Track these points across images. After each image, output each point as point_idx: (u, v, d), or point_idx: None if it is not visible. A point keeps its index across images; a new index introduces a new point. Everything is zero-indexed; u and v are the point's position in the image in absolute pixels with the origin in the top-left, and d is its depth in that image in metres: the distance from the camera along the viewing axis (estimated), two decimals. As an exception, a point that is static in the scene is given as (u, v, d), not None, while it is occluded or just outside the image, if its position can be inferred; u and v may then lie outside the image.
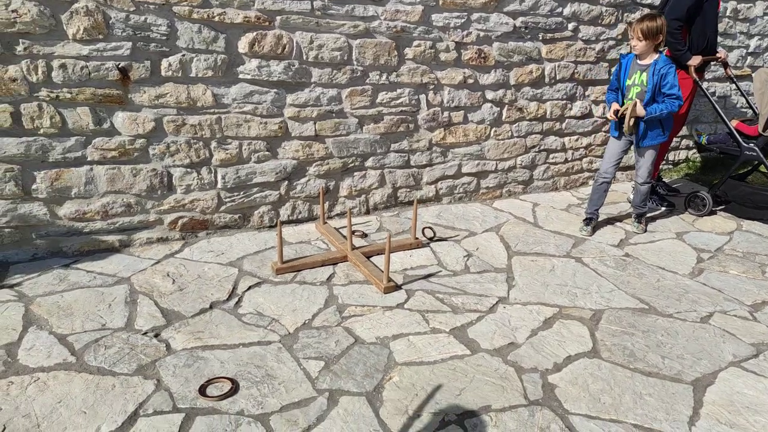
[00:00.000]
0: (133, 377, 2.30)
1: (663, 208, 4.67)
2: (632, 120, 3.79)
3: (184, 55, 3.35)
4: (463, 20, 4.20)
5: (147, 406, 2.15)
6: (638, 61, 3.90)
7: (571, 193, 5.11)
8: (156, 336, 2.59)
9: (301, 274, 3.26)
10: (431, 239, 3.77)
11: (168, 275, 3.16)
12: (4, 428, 2.02)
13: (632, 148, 4.08)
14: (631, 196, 4.38)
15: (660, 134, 3.89)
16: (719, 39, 5.57)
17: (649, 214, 4.38)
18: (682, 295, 3.22)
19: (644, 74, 3.83)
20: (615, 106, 3.93)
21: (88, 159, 3.28)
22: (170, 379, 2.30)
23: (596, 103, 5.10)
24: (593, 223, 4.26)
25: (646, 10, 4.95)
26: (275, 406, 2.18)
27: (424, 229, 3.87)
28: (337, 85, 3.88)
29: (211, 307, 2.85)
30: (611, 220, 4.39)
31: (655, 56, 3.83)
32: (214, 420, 2.10)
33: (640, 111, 3.77)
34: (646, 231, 4.19)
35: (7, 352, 2.42)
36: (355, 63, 3.90)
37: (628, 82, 3.93)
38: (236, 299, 2.94)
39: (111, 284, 3.02)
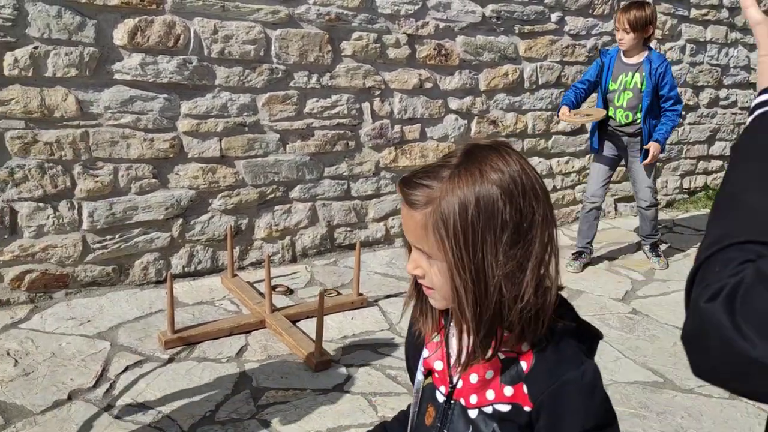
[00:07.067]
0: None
1: None
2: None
3: (37, 48, 3.30)
4: (417, 6, 4.34)
5: None
6: (624, 59, 4.15)
7: (562, 231, 5.25)
8: (-12, 442, 2.45)
9: (200, 347, 3.18)
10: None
11: (8, 354, 3.02)
12: None
13: (630, 166, 4.33)
14: None
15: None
16: None
17: (660, 258, 4.55)
18: (705, 362, 3.31)
19: (636, 75, 4.08)
20: (564, 110, 4.15)
21: None
22: (7, 505, 2.17)
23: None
24: (585, 258, 4.41)
25: (648, -1, 5.26)
26: None
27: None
28: (250, 90, 3.90)
29: (69, 398, 2.73)
30: (614, 265, 4.53)
31: (645, 53, 4.09)
32: None
33: (656, 151, 4.09)
34: (668, 265, 4.47)
35: None
36: (275, 60, 3.93)
37: (613, 86, 4.17)
38: (107, 386, 2.83)
39: None
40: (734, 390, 0.69)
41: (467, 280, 0.96)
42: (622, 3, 5.19)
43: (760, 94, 0.83)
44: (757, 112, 0.82)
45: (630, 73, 4.10)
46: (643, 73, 4.05)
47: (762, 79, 0.85)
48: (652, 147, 4.07)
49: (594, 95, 4.38)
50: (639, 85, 4.07)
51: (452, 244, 0.96)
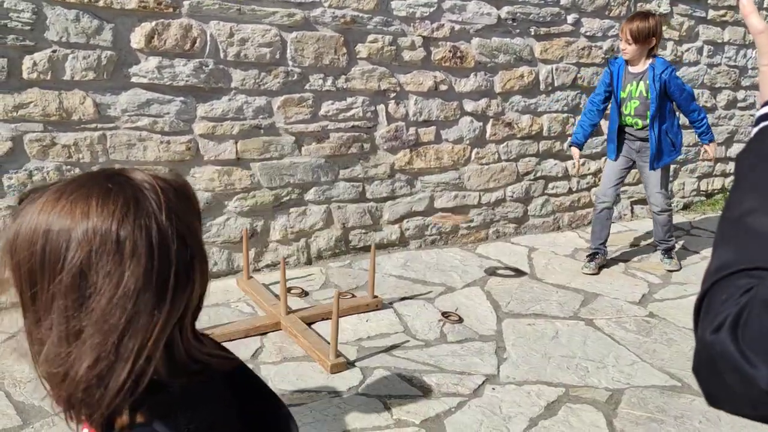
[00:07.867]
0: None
1: None
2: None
3: (55, 51, 3.32)
4: (432, 9, 4.33)
5: None
6: (630, 69, 4.16)
7: (578, 233, 5.22)
8: (6, 443, 2.46)
9: (216, 349, 3.18)
10: (455, 320, 3.61)
11: (27, 355, 3.03)
12: None
13: (641, 171, 4.38)
14: None
15: (673, 150, 4.22)
16: None
17: (672, 260, 4.52)
18: (723, 366, 3.28)
19: (641, 84, 4.11)
20: (575, 152, 4.37)
21: None
22: (26, 504, 2.18)
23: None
24: (599, 259, 4.41)
25: (665, 1, 5.23)
26: None
27: (446, 314, 3.64)
28: (266, 92, 3.91)
29: (87, 398, 2.74)
30: (630, 268, 4.50)
31: (649, 61, 4.10)
32: None
33: (714, 148, 4.38)
34: (681, 267, 4.46)
35: None
36: (290, 63, 3.94)
37: (622, 94, 4.21)
38: (124, 387, 2.84)
39: (-58, 369, 2.87)
40: (748, 416, 0.67)
41: (29, 322, 0.80)
42: (647, 7, 5.17)
43: (764, 106, 0.78)
44: (761, 125, 0.76)
45: (635, 82, 4.12)
46: (647, 81, 4.07)
47: (765, 90, 0.79)
48: (711, 148, 4.33)
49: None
50: (644, 93, 4.10)
51: (14, 272, 0.79)
